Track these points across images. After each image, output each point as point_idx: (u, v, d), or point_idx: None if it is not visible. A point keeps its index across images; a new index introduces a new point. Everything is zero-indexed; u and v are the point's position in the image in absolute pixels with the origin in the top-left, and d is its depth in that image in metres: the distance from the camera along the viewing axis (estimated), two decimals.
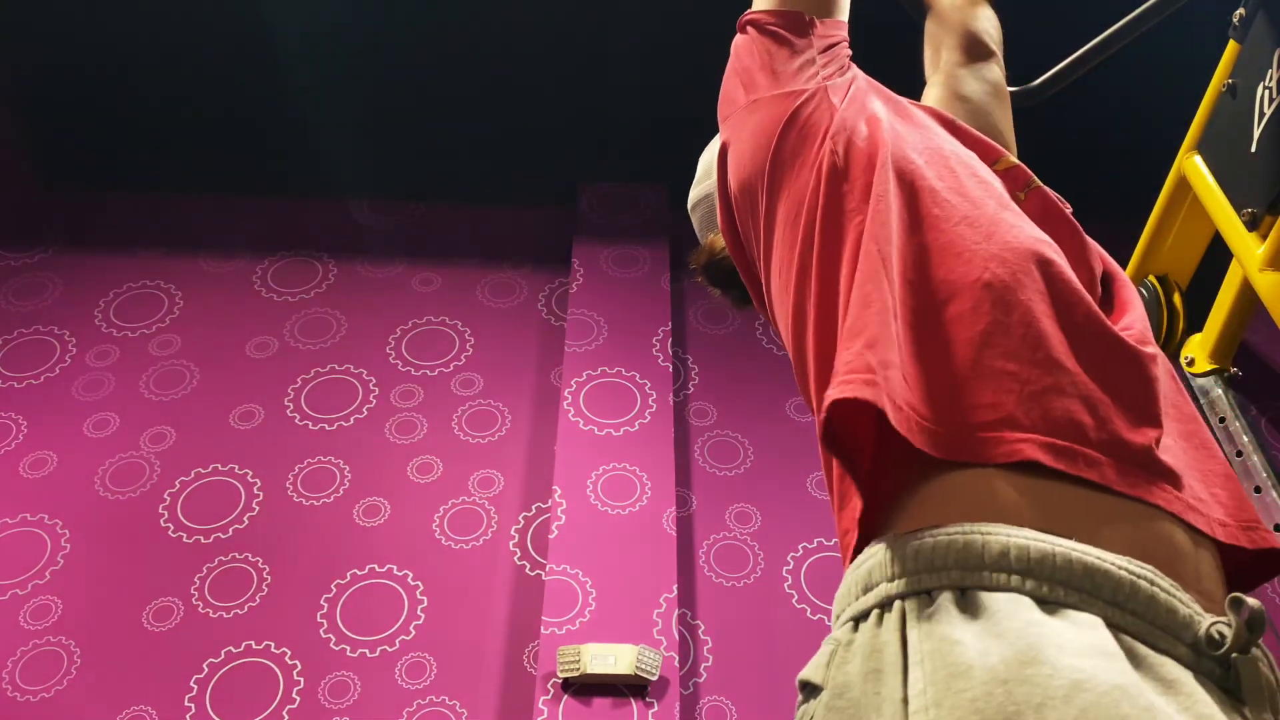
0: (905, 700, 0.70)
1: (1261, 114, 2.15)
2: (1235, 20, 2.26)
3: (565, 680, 2.29)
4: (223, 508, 2.82)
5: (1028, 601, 0.71)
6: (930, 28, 1.40)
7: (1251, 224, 2.08)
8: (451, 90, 3.54)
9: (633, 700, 2.28)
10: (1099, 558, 0.72)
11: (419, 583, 2.69)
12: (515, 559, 2.74)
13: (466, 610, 2.64)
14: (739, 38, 1.15)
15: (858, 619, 0.81)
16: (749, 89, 1.07)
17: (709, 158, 1.28)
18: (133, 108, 3.60)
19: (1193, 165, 2.39)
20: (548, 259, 3.55)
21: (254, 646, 2.55)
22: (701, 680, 2.53)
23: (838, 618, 0.85)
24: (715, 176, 1.19)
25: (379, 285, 3.48)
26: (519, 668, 2.53)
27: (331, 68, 3.50)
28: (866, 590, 0.82)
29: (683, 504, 2.87)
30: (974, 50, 1.33)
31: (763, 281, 1.06)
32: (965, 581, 0.74)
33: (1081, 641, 0.68)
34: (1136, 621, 0.71)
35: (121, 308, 3.36)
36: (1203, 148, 2.38)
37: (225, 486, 2.88)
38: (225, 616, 2.60)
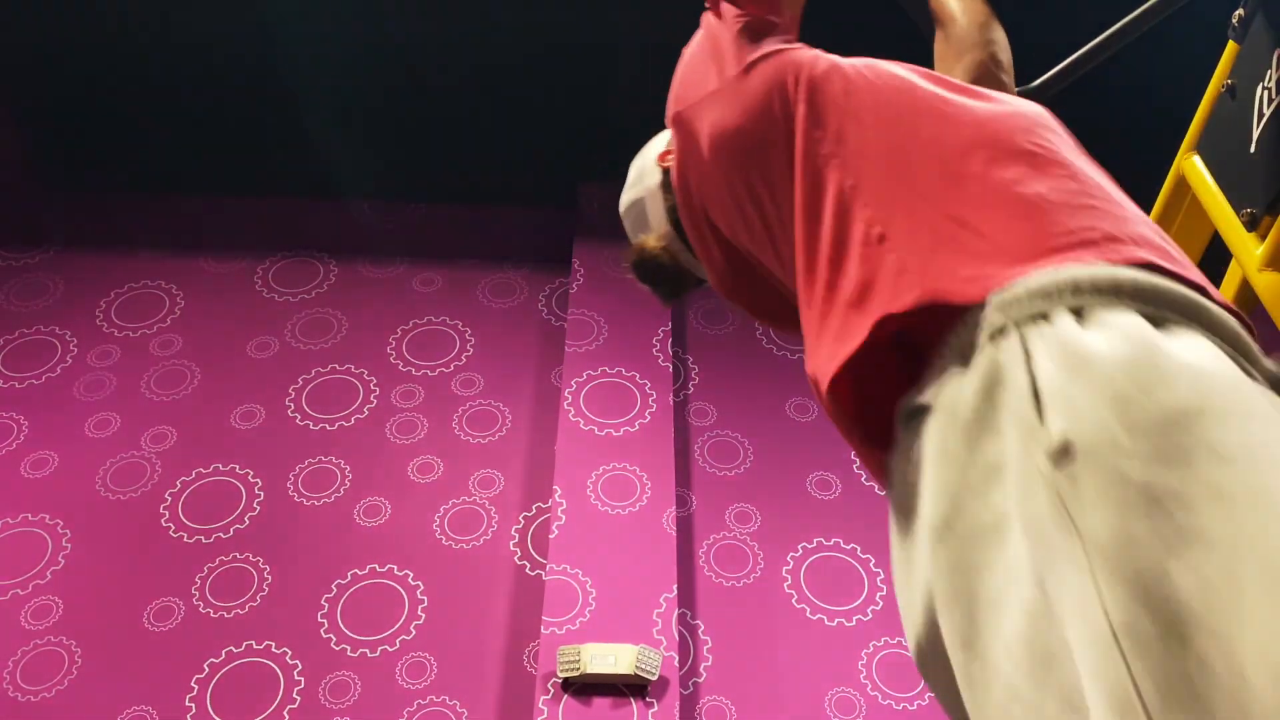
0: (1035, 391, 0.69)
1: (1261, 114, 2.15)
2: (1235, 20, 2.25)
3: (565, 680, 2.30)
4: (223, 508, 2.83)
5: (1141, 319, 0.73)
6: (940, 48, 1.37)
7: (1250, 224, 2.08)
8: (452, 91, 3.55)
9: (633, 700, 2.29)
10: (1202, 298, 0.77)
11: (419, 583, 2.69)
12: (515, 559, 2.74)
13: (466, 610, 2.64)
14: (710, 19, 1.18)
15: (965, 354, 0.79)
16: (722, 70, 1.10)
17: (641, 163, 1.32)
18: (134, 109, 3.60)
19: (1191, 166, 2.38)
20: (548, 259, 3.55)
21: (255, 646, 2.55)
22: (701, 680, 2.53)
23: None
24: (649, 181, 1.25)
25: (380, 285, 3.48)
26: (519, 668, 2.53)
27: (332, 68, 3.50)
28: (971, 341, 0.80)
29: (683, 504, 2.87)
30: (986, 80, 1.29)
31: (763, 229, 1.07)
32: (1080, 303, 0.74)
33: (1197, 347, 0.72)
34: (1235, 353, 0.75)
35: (122, 308, 3.36)
36: (1202, 148, 2.38)
37: (226, 486, 2.88)
38: (226, 616, 2.60)
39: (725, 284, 1.19)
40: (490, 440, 3.02)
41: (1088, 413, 0.66)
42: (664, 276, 1.25)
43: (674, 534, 2.62)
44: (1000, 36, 1.35)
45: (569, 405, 2.92)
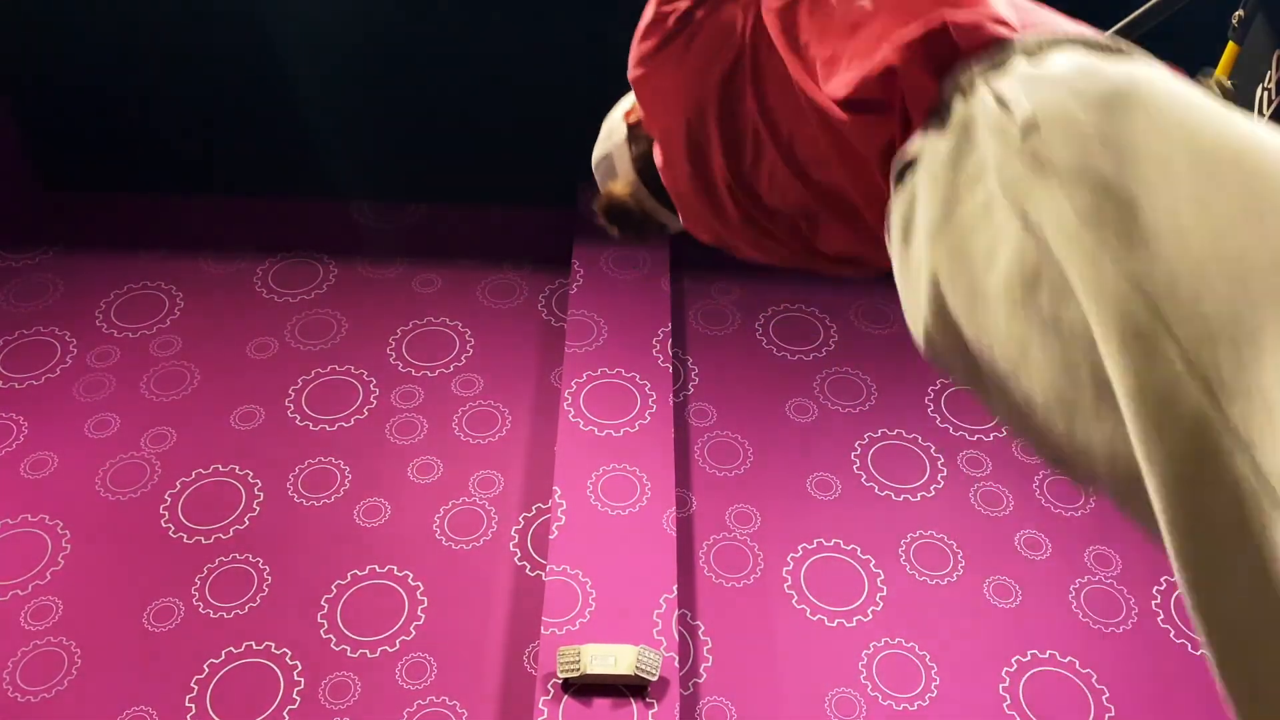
0: (1001, 103, 0.82)
1: (1260, 115, 2.15)
2: (1234, 21, 2.26)
3: (565, 680, 2.30)
4: (223, 508, 2.83)
5: (1085, 51, 0.86)
6: None
7: None
8: (452, 91, 3.55)
9: (633, 700, 2.29)
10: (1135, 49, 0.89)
11: (419, 583, 2.69)
12: (515, 559, 2.74)
13: (466, 610, 2.64)
14: None
15: (941, 117, 0.90)
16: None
17: (610, 122, 1.45)
18: (134, 110, 3.60)
19: None
20: (548, 259, 3.55)
21: (254, 647, 2.55)
22: (701, 680, 2.53)
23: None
24: (617, 137, 1.39)
25: (379, 286, 3.48)
26: (519, 668, 2.53)
27: (332, 69, 3.50)
28: (946, 104, 0.91)
29: (683, 504, 2.87)
30: None
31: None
32: (1031, 50, 0.87)
33: (1135, 63, 0.85)
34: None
35: (122, 309, 3.37)
36: None
37: (226, 487, 2.88)
38: (226, 617, 2.60)
39: (693, 214, 1.28)
40: (490, 441, 3.02)
41: (1047, 98, 0.80)
42: (630, 220, 1.39)
43: (674, 534, 2.62)
44: None
45: (569, 406, 2.92)
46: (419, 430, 3.05)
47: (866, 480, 2.98)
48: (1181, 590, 0.59)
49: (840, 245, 1.16)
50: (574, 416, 2.89)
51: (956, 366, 0.88)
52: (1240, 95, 2.24)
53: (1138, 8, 1.98)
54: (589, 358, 3.05)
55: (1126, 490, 0.68)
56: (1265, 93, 2.15)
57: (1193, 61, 2.55)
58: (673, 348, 3.21)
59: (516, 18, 3.39)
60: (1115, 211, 0.71)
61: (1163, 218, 0.69)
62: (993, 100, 0.85)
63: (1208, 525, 0.56)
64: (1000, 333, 0.78)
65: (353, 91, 3.56)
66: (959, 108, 0.89)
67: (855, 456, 3.04)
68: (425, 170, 3.74)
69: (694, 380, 3.22)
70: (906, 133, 0.93)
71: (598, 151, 1.46)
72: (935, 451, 3.06)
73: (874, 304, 3.49)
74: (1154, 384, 0.60)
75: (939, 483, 2.98)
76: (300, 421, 3.05)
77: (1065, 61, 0.85)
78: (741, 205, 1.19)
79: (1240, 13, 2.24)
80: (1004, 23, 0.93)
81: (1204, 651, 0.59)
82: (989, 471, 3.01)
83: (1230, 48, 2.28)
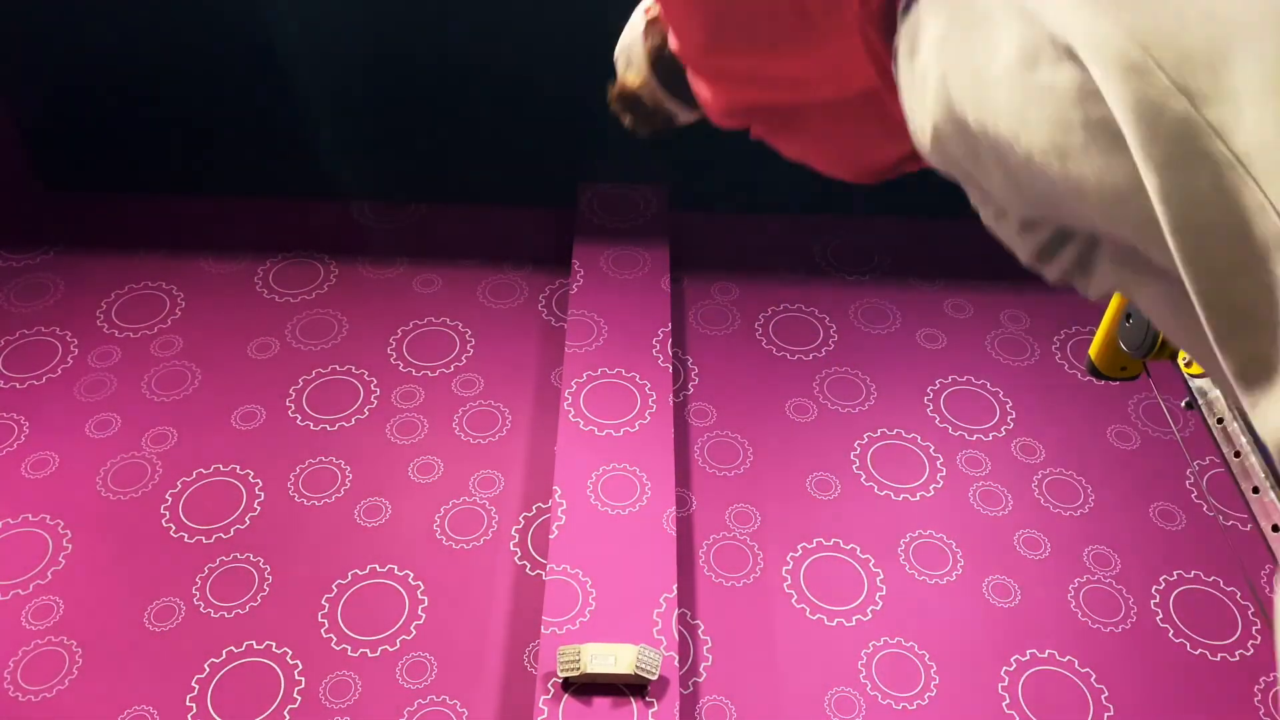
0: None
1: None
2: None
3: (565, 680, 2.30)
4: (224, 508, 2.83)
5: None
6: None
7: None
8: (452, 91, 3.55)
9: (633, 700, 2.29)
10: None
11: (419, 583, 2.69)
12: (515, 559, 2.75)
13: (466, 610, 2.64)
14: None
15: None
16: None
17: (633, 18, 1.50)
18: (134, 110, 3.60)
19: None
20: (548, 259, 3.56)
21: (255, 646, 2.55)
22: (701, 680, 2.53)
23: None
24: (636, 30, 1.44)
25: (380, 286, 3.49)
26: (519, 668, 2.53)
27: (333, 69, 3.50)
28: None
29: (682, 504, 2.87)
30: None
31: None
32: None
33: None
34: None
35: (123, 309, 3.37)
36: None
37: (226, 487, 2.89)
38: (226, 616, 2.60)
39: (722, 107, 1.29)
40: (490, 440, 3.03)
41: None
42: (640, 109, 1.46)
43: (674, 534, 2.62)
44: None
45: (569, 405, 2.92)
46: (419, 430, 3.05)
47: (866, 480, 2.98)
48: (1175, 255, 0.70)
49: (865, 112, 1.17)
50: (574, 416, 2.89)
51: (959, 153, 0.95)
52: None
53: None
54: (589, 358, 3.06)
55: (1110, 211, 0.77)
56: None
57: None
58: (673, 348, 3.22)
59: (516, 17, 3.40)
60: None
61: None
62: None
63: (1193, 196, 0.68)
64: (1001, 107, 0.85)
65: (353, 91, 3.56)
66: None
67: (855, 456, 3.04)
68: (425, 170, 3.74)
69: (694, 380, 3.22)
70: None
71: (619, 44, 1.52)
72: (935, 451, 3.06)
73: (874, 304, 3.49)
74: (1148, 101, 0.70)
75: (938, 482, 2.99)
76: (301, 421, 3.06)
77: None
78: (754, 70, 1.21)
79: None
80: None
81: (1188, 283, 0.69)
82: (988, 471, 3.02)
83: None
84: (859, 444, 3.07)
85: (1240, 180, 0.66)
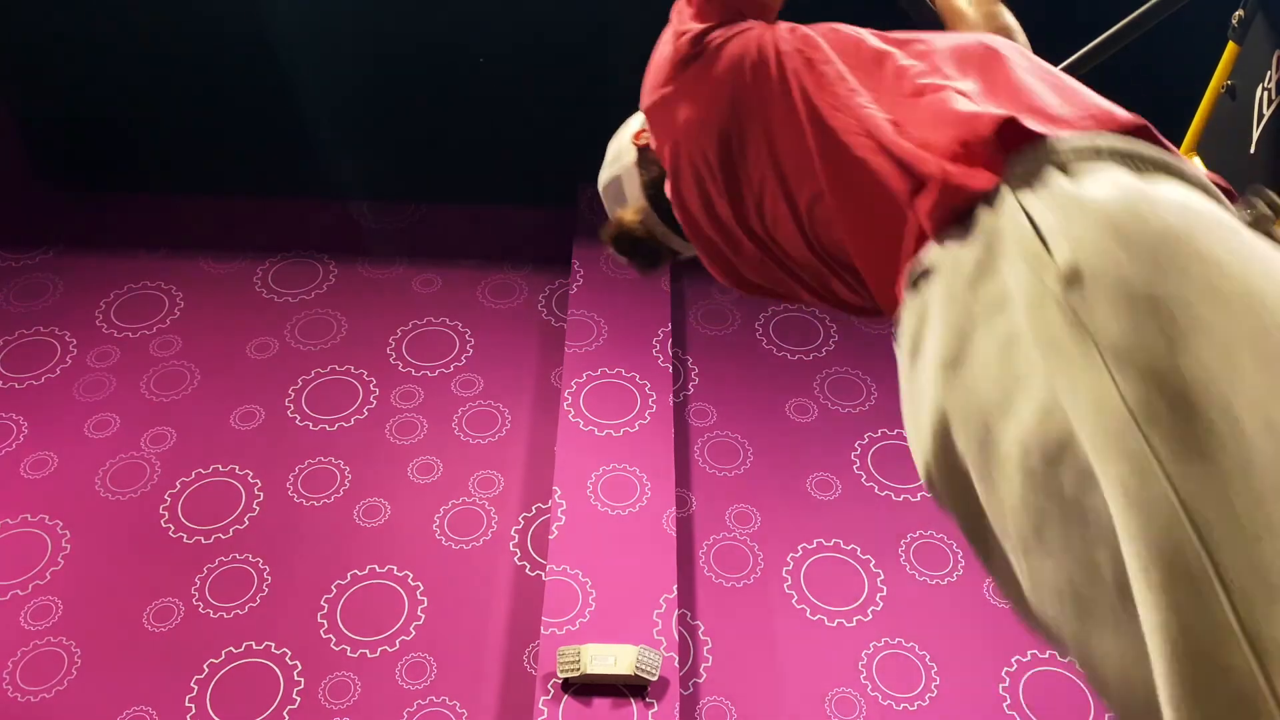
0: (1038, 233, 0.75)
1: (1260, 115, 2.15)
2: (1234, 22, 2.26)
3: (565, 680, 2.30)
4: (223, 508, 2.83)
5: (1124, 170, 0.80)
6: None
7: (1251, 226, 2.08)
8: (452, 91, 3.55)
9: (633, 700, 2.29)
10: (1174, 158, 0.84)
11: (419, 583, 2.69)
12: (515, 559, 2.74)
13: (466, 610, 2.64)
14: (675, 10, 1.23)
15: (963, 224, 0.84)
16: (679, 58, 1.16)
17: (617, 144, 1.39)
18: (134, 110, 3.60)
19: None
20: (548, 260, 3.55)
21: (254, 647, 2.55)
22: (701, 680, 2.53)
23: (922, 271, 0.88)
24: (625, 159, 1.33)
25: (379, 286, 3.48)
26: (519, 668, 2.53)
27: (333, 69, 3.50)
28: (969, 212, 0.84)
29: (682, 504, 2.87)
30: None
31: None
32: (1065, 161, 0.81)
33: (1179, 188, 0.78)
34: (1212, 197, 0.81)
35: (122, 309, 3.37)
36: (1202, 149, 2.38)
37: (226, 487, 2.88)
38: (226, 617, 2.60)
39: (708, 249, 1.25)
40: (490, 441, 3.02)
41: (1090, 242, 0.72)
42: (640, 248, 1.35)
43: (674, 534, 2.62)
44: (1011, 22, 1.35)
45: (569, 406, 2.92)
46: (419, 430, 3.05)
47: (866, 480, 2.98)
48: None
49: (858, 299, 1.12)
50: (574, 416, 2.89)
51: (957, 511, 0.82)
52: (1240, 95, 2.24)
53: (1138, 6, 1.98)
54: (589, 358, 3.05)
55: (1135, 715, 0.64)
56: (1265, 93, 2.15)
57: (1193, 61, 2.56)
58: (673, 348, 3.21)
59: (516, 17, 3.39)
60: (1169, 410, 0.63)
61: (1223, 428, 0.62)
62: (1025, 220, 0.77)
63: None
64: (1013, 500, 0.72)
65: (353, 91, 3.56)
66: (985, 218, 0.81)
67: (855, 456, 3.04)
68: (425, 170, 3.74)
69: (694, 380, 3.22)
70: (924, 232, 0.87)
71: (605, 175, 1.40)
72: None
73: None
74: (1198, 640, 0.54)
75: None
76: (300, 421, 3.05)
77: (1107, 186, 0.76)
78: (757, 244, 1.14)
79: (1240, 13, 2.24)
80: (1040, 114, 0.86)
81: None
82: None
83: (1230, 48, 2.28)
84: (859, 444, 3.07)
85: None
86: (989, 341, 0.76)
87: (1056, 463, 0.68)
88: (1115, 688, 0.64)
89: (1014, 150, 0.83)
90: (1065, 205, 0.76)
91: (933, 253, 0.85)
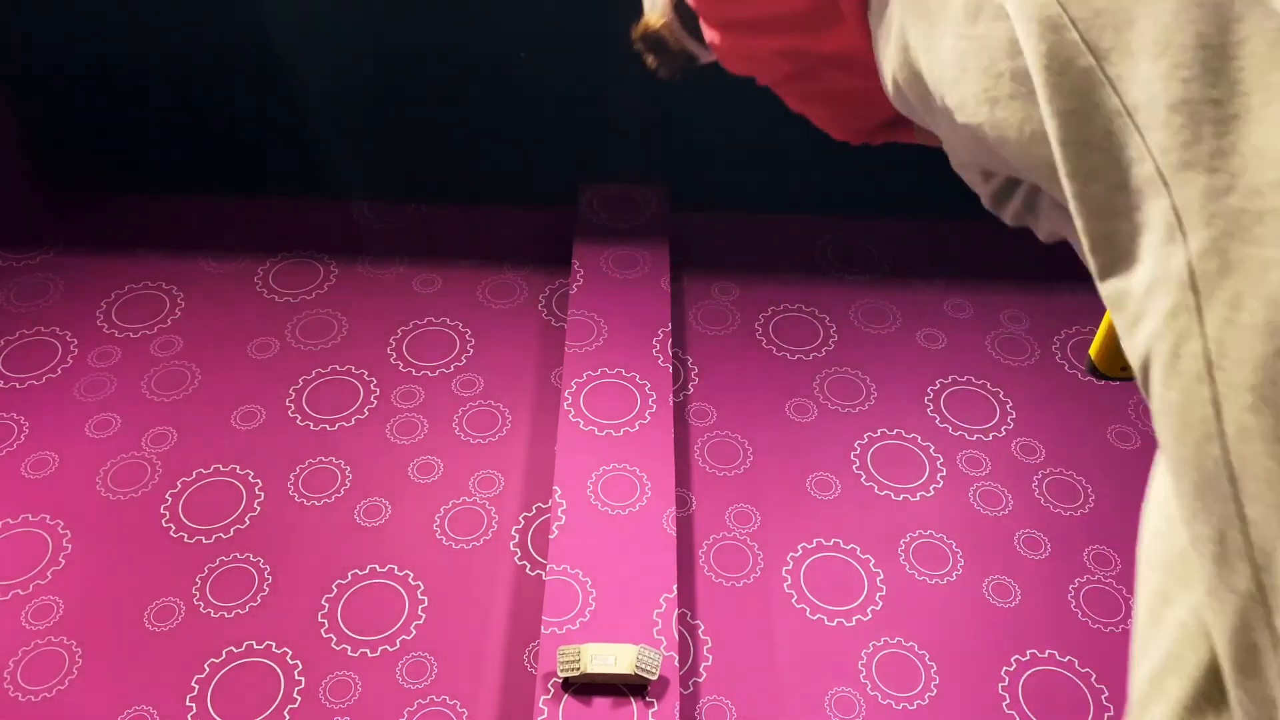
0: None
1: None
2: None
3: (565, 680, 2.30)
4: (224, 508, 2.83)
5: None
6: None
7: None
8: (452, 91, 3.55)
9: (633, 700, 2.29)
10: None
11: (419, 583, 2.69)
12: (515, 559, 2.75)
13: (466, 610, 2.64)
14: None
15: None
16: None
17: None
18: (134, 109, 3.60)
19: None
20: (548, 259, 3.56)
21: (255, 646, 2.55)
22: (701, 680, 2.53)
23: None
24: None
25: (380, 286, 3.49)
26: (519, 668, 2.53)
27: (333, 69, 3.50)
28: None
29: (682, 504, 2.87)
30: None
31: None
32: None
33: None
34: None
35: (123, 309, 3.37)
36: None
37: (226, 487, 2.89)
38: (226, 616, 2.60)
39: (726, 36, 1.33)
40: (490, 440, 3.03)
41: None
42: (663, 49, 1.49)
43: (674, 534, 2.62)
44: None
45: (569, 405, 2.92)
46: (419, 430, 3.05)
47: (866, 480, 2.98)
48: (1069, 197, 0.74)
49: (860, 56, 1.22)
50: (574, 416, 2.89)
51: (916, 101, 1.00)
52: None
53: None
54: (589, 358, 3.06)
55: (1026, 155, 0.82)
56: None
57: None
58: (673, 348, 3.22)
59: (516, 17, 3.40)
60: None
61: None
62: None
63: (1087, 142, 0.73)
64: (946, 56, 0.90)
65: (353, 92, 3.56)
66: None
67: (855, 456, 3.04)
68: (425, 170, 3.74)
69: (694, 380, 3.22)
70: None
71: None
72: (935, 451, 3.06)
73: (874, 304, 3.49)
74: (1058, 55, 0.75)
75: (938, 482, 2.99)
76: (301, 421, 3.06)
77: None
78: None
79: None
80: None
81: (1077, 222, 0.74)
82: (988, 471, 3.01)
83: None
84: (859, 444, 3.07)
85: (1127, 130, 0.70)
86: None
87: (976, 16, 0.85)
88: (1014, 136, 0.82)
89: None
90: None
91: None
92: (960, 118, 0.90)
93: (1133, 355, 0.71)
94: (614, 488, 2.72)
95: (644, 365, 3.04)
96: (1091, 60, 0.74)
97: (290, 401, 3.11)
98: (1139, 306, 0.69)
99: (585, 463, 2.77)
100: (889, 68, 1.03)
